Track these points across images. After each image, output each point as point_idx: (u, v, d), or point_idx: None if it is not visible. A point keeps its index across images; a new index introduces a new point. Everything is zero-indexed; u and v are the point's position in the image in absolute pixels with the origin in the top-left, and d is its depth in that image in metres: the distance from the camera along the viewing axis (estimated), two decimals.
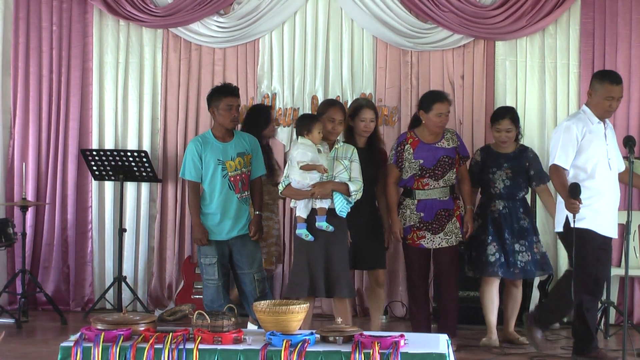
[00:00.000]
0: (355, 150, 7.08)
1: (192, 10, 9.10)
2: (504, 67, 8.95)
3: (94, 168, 8.97)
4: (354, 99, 8.47)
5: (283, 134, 9.11)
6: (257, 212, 7.39)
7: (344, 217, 6.96)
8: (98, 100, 9.29)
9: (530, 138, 8.49)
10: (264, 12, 9.10)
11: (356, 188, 6.93)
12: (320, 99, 8.93)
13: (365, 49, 9.10)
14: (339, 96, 8.90)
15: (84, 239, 9.29)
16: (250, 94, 9.14)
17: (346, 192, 6.91)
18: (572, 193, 6.65)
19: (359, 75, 9.10)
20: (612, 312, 8.23)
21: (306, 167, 6.86)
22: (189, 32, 9.20)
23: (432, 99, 7.47)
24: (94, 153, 8.94)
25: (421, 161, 7.37)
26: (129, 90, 9.30)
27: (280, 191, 7.15)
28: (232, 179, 7.26)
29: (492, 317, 7.64)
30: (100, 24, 9.30)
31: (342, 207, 6.90)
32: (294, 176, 6.94)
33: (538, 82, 8.91)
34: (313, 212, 6.95)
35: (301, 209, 6.97)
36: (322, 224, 6.88)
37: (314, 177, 6.88)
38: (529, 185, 7.73)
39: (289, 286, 7.19)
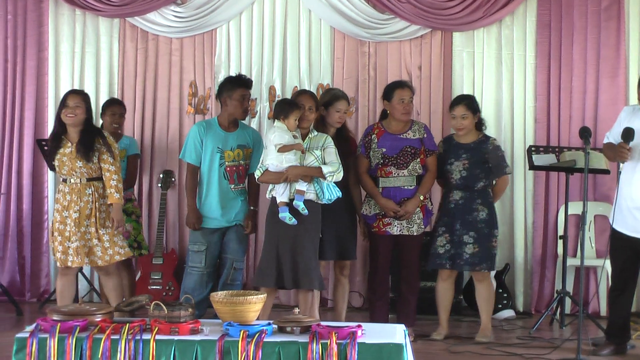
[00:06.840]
0: (329, 138, 6.99)
1: (149, 0, 9.04)
2: (461, 58, 8.99)
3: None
4: (328, 88, 8.31)
5: None
6: (252, 208, 7.42)
7: (340, 196, 6.93)
8: (54, 90, 9.20)
9: (487, 129, 8.49)
10: (221, 2, 9.07)
11: (332, 169, 6.83)
12: (278, 90, 8.96)
13: (322, 40, 9.10)
14: (296, 87, 8.88)
15: (40, 229, 9.21)
16: (208, 84, 9.11)
17: (320, 175, 6.85)
18: (625, 136, 6.74)
19: (316, 66, 9.10)
20: (568, 301, 8.29)
21: (283, 149, 6.81)
22: (146, 21, 9.14)
23: (392, 87, 7.56)
24: None
25: (384, 149, 7.41)
26: (85, 80, 9.21)
27: (257, 177, 6.99)
28: (228, 169, 7.29)
29: (443, 312, 7.63)
30: (55, 13, 9.21)
31: (330, 193, 6.87)
32: (272, 160, 6.87)
33: (495, 73, 8.97)
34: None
35: (280, 195, 6.90)
36: (299, 203, 6.80)
37: (290, 159, 6.80)
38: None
39: (256, 275, 7.07)
